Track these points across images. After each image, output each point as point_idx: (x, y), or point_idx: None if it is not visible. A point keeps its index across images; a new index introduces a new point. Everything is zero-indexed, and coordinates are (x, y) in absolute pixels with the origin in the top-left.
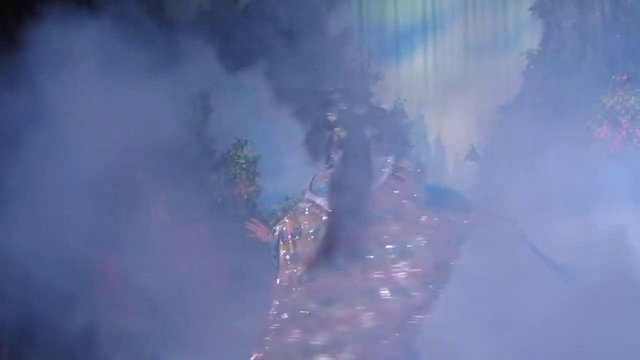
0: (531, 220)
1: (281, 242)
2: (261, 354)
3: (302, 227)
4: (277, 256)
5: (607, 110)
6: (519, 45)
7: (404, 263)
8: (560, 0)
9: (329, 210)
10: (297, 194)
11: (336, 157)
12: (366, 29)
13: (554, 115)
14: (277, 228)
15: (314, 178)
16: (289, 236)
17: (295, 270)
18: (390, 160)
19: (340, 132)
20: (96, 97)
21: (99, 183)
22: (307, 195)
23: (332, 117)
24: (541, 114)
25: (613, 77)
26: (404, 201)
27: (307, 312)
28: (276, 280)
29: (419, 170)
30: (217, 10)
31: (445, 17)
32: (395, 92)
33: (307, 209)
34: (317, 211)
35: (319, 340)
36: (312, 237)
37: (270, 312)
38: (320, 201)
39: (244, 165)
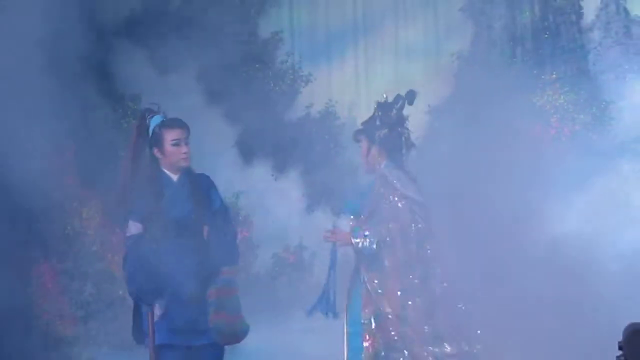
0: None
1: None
2: None
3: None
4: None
5: (537, 109)
6: (450, 46)
7: None
8: (490, 1)
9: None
10: (228, 195)
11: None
12: (297, 32)
13: (484, 116)
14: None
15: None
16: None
17: None
18: None
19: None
20: (24, 100)
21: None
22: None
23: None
24: (471, 114)
25: (543, 76)
26: None
27: None
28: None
29: None
30: (148, 13)
31: (376, 19)
32: (326, 94)
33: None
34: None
35: None
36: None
37: None
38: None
39: None
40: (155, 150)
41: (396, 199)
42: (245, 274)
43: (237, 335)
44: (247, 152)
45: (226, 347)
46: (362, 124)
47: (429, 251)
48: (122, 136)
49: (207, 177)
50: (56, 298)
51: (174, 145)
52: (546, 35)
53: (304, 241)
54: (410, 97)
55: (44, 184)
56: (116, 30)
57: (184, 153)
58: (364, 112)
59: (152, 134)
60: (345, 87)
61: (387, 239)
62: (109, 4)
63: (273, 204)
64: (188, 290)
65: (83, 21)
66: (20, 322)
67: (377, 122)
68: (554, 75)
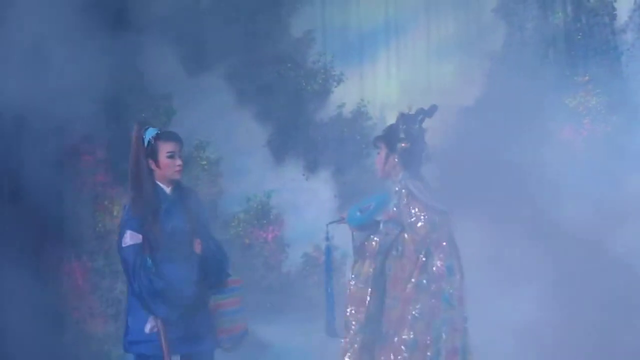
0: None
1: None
2: None
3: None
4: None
5: (569, 111)
6: (482, 47)
7: None
8: (522, 2)
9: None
10: (259, 196)
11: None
12: (329, 31)
13: (516, 117)
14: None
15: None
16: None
17: None
18: None
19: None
20: (57, 99)
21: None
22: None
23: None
24: (503, 115)
25: (575, 78)
26: None
27: None
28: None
29: None
30: (179, 12)
31: (408, 19)
32: (358, 94)
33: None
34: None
35: None
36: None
37: None
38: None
39: (205, 167)
40: (150, 162)
41: (416, 210)
42: (277, 274)
43: (242, 341)
44: (279, 152)
45: (260, 348)
46: (384, 131)
47: (436, 266)
48: None
49: (194, 190)
50: (87, 296)
51: (169, 157)
52: (579, 37)
53: (335, 241)
54: (431, 111)
55: (75, 182)
56: (147, 29)
57: (178, 165)
58: (396, 112)
59: (148, 145)
60: (377, 87)
61: (399, 248)
62: (140, 3)
63: (304, 203)
64: (186, 300)
65: (114, 20)
66: (51, 320)
67: (401, 135)
68: (587, 77)
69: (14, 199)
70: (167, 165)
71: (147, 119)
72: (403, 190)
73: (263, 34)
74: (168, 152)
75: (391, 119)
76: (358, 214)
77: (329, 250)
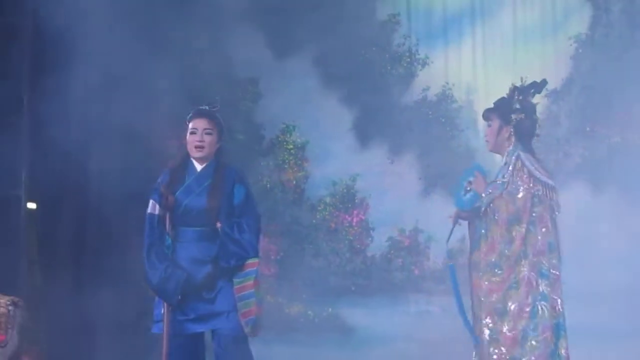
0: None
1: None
2: None
3: None
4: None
5: None
6: (567, 30)
7: None
8: None
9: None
10: (345, 178)
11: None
12: (414, 14)
13: (602, 100)
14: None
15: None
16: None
17: None
18: None
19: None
20: (143, 83)
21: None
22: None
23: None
24: (590, 98)
25: None
26: None
27: None
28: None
29: None
30: None
31: (494, 1)
32: (443, 77)
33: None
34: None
35: None
36: None
37: None
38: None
39: (292, 151)
40: (184, 140)
41: (521, 181)
42: (362, 257)
43: (257, 327)
44: (364, 135)
45: (345, 332)
46: (495, 103)
47: (538, 240)
48: (239, 118)
49: (236, 171)
50: None
51: (191, 133)
52: None
53: (420, 224)
54: (542, 85)
55: (160, 167)
56: (236, 13)
57: (198, 141)
58: (482, 95)
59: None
60: (462, 70)
61: (495, 216)
62: None
63: (389, 186)
64: (198, 279)
65: (202, 5)
66: (135, 305)
67: (517, 106)
68: None
69: (100, 187)
70: (188, 141)
71: (217, 101)
72: (513, 159)
73: (349, 18)
74: (191, 129)
75: (476, 102)
76: (465, 196)
77: (453, 270)
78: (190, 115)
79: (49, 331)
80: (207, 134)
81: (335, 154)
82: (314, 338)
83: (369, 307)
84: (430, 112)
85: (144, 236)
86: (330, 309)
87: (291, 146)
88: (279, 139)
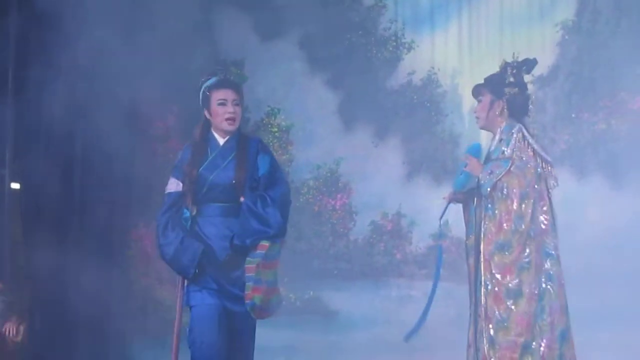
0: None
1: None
2: None
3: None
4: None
5: None
6: (554, 16)
7: None
8: None
9: None
10: (329, 162)
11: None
12: None
13: (588, 86)
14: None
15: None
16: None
17: None
18: None
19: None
20: (129, 63)
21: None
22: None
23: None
24: (575, 84)
25: None
26: None
27: None
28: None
29: None
30: None
31: None
32: (429, 62)
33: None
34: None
35: None
36: None
37: None
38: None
39: (276, 134)
40: (205, 112)
41: (527, 156)
42: (344, 241)
43: (270, 309)
44: (349, 119)
45: (327, 315)
46: (486, 79)
47: (543, 223)
48: None
49: (259, 141)
50: (155, 263)
51: (219, 104)
52: None
53: (403, 209)
54: (533, 64)
55: (146, 149)
56: None
57: (230, 113)
58: (467, 80)
59: (203, 96)
60: (448, 55)
61: (504, 191)
62: None
63: (373, 170)
64: (222, 256)
65: None
66: (119, 285)
67: (511, 79)
68: None
69: (84, 167)
70: (217, 113)
71: (218, 70)
72: (514, 134)
73: (335, 2)
74: (219, 100)
75: (462, 87)
76: (460, 176)
77: (440, 251)
78: (211, 83)
79: (31, 311)
80: (235, 104)
81: (319, 137)
82: (295, 321)
83: (351, 291)
84: (415, 97)
85: (159, 214)
86: (312, 292)
87: (276, 129)
88: (264, 121)
